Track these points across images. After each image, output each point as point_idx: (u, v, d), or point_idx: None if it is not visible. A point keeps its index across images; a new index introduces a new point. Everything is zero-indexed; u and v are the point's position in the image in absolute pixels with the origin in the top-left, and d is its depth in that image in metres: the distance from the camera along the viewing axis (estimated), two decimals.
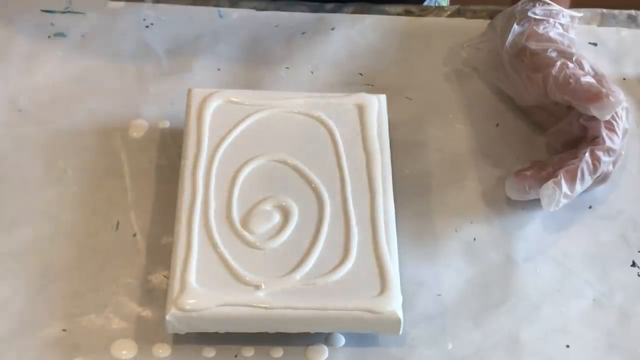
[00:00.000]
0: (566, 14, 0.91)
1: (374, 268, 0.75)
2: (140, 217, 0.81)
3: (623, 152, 0.85)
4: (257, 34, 0.97)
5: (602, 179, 0.84)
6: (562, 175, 0.81)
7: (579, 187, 0.81)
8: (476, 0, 0.99)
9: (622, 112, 0.83)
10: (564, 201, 0.81)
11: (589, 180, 0.82)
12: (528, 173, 0.83)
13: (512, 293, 0.79)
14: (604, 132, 0.82)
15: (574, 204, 0.84)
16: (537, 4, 0.90)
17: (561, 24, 0.90)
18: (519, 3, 0.91)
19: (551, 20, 0.90)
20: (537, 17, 0.89)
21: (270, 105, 0.85)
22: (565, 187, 0.80)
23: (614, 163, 0.84)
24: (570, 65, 0.84)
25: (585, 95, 0.82)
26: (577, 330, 0.77)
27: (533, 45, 0.87)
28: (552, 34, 0.89)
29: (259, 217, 0.78)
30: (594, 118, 0.82)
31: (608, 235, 0.84)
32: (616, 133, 0.83)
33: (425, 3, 1.04)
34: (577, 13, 0.92)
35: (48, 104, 0.89)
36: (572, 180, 0.81)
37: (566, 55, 0.86)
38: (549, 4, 0.90)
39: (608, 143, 0.82)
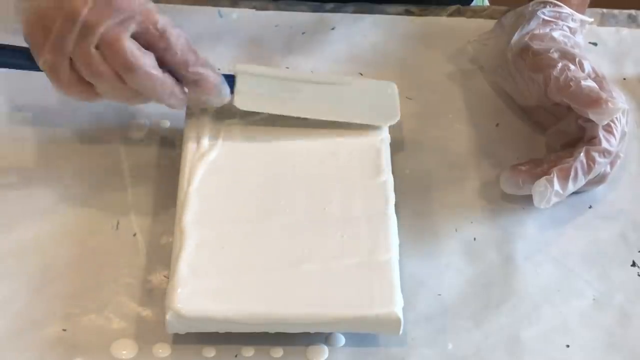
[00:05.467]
0: (576, 18, 0.90)
1: (374, 268, 0.75)
2: (140, 217, 0.81)
3: (622, 154, 0.84)
4: (257, 34, 0.97)
5: (600, 179, 0.84)
6: (555, 173, 0.81)
7: (571, 186, 0.81)
8: (513, 1, 0.98)
9: (621, 115, 0.83)
10: (555, 199, 0.81)
11: (582, 180, 0.82)
12: (523, 168, 0.83)
13: (512, 293, 0.79)
14: (602, 133, 0.82)
15: (574, 204, 0.84)
16: (547, 5, 0.90)
17: (569, 27, 0.90)
18: (530, 3, 0.91)
19: (560, 22, 0.89)
20: (545, 17, 0.89)
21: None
22: (557, 185, 0.80)
23: (612, 164, 0.84)
24: (572, 67, 0.84)
25: (585, 100, 0.82)
26: (577, 330, 0.77)
27: (536, 45, 0.87)
28: (556, 34, 0.89)
29: None
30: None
31: (608, 235, 0.84)
32: (614, 135, 0.82)
33: (473, 3, 1.04)
34: (589, 18, 0.92)
35: (48, 104, 0.89)
36: (564, 178, 0.81)
37: (568, 56, 0.86)
38: (559, 6, 0.90)
39: (604, 144, 0.82)
